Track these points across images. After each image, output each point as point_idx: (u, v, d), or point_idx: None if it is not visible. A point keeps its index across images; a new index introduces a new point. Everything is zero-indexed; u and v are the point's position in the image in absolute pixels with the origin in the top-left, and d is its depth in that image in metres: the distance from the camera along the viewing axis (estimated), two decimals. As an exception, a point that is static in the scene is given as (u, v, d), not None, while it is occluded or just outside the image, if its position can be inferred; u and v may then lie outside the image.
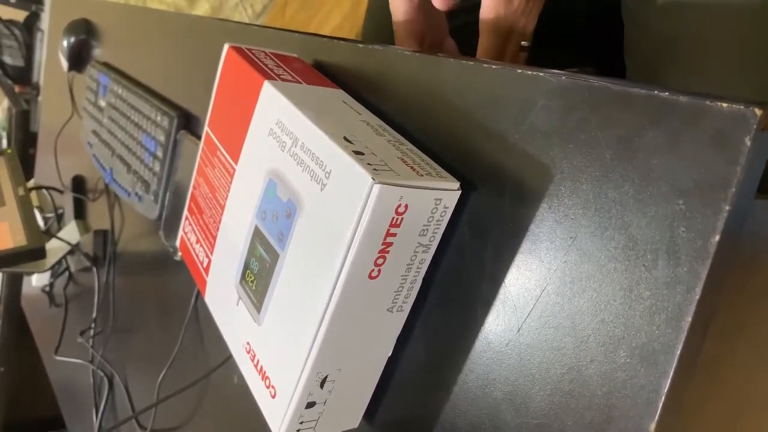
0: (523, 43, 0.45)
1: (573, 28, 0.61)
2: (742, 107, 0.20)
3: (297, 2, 1.77)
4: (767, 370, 0.30)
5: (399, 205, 0.27)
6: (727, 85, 0.43)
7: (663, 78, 0.46)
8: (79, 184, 0.94)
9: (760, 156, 0.21)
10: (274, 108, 0.34)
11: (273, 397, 0.33)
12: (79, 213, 0.93)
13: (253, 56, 0.38)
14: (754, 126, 0.20)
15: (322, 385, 0.31)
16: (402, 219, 0.27)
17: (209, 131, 0.41)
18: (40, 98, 1.28)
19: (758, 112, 0.20)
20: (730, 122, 0.21)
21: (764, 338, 0.30)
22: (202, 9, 2.01)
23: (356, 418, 0.35)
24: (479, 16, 0.44)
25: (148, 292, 0.71)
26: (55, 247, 0.88)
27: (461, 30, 0.50)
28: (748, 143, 0.20)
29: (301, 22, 1.73)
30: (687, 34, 0.44)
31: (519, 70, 0.28)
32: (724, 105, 0.21)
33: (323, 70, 0.41)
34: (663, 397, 0.22)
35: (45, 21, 1.35)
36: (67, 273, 0.98)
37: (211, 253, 0.41)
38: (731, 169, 0.21)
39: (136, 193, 0.69)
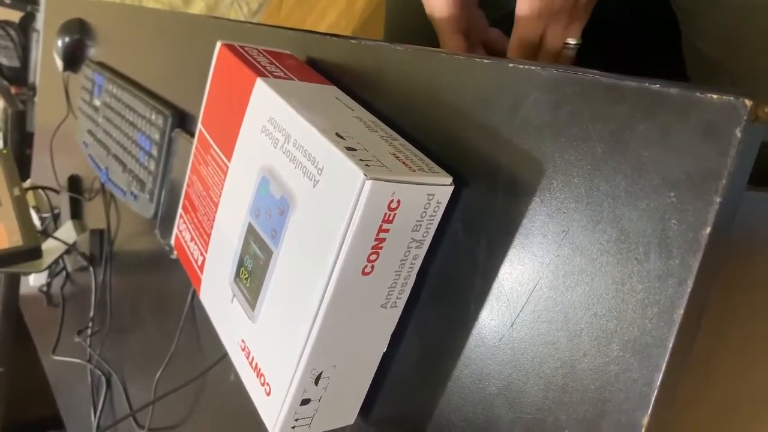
0: (569, 41, 0.44)
1: (625, 28, 0.60)
2: (732, 98, 0.20)
3: (292, 0, 1.77)
4: (760, 363, 0.30)
5: (391, 201, 0.27)
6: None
7: (723, 78, 0.45)
8: (75, 184, 0.93)
9: (751, 147, 0.21)
10: (267, 105, 0.34)
11: (268, 394, 0.33)
12: (76, 213, 0.93)
13: (245, 54, 0.38)
14: (745, 117, 0.20)
15: (316, 382, 0.31)
16: (395, 215, 0.27)
17: (202, 129, 0.41)
18: (36, 99, 1.28)
19: (748, 103, 0.20)
20: (721, 114, 0.21)
21: (757, 331, 0.30)
22: (197, 8, 2.01)
23: (351, 415, 0.35)
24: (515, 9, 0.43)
25: (145, 290, 0.71)
26: (51, 247, 0.88)
27: (499, 23, 0.50)
28: (739, 134, 0.20)
29: (296, 20, 1.73)
30: (749, 30, 0.43)
31: (510, 64, 0.28)
32: (715, 96, 0.21)
33: (316, 67, 0.41)
34: (655, 391, 0.22)
35: (40, 21, 1.35)
36: (63, 273, 0.98)
37: (206, 251, 0.41)
38: (722, 161, 0.21)
39: (132, 192, 0.69)
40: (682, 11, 0.49)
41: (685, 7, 0.48)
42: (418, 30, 0.49)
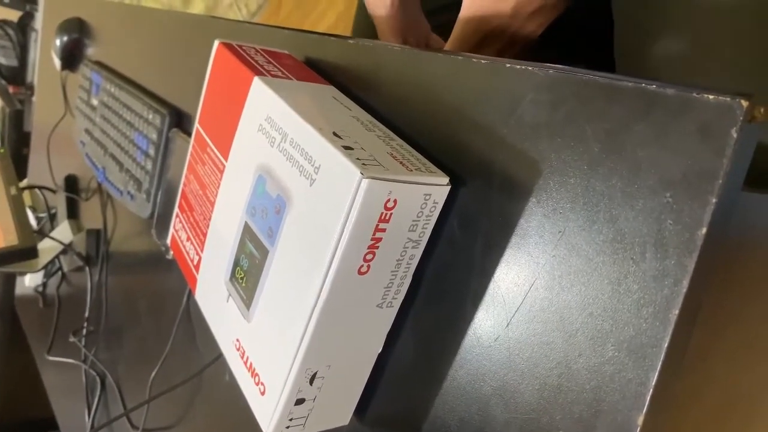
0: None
1: (561, 25, 0.61)
2: (728, 99, 0.20)
3: (292, 2, 1.77)
4: (756, 363, 0.30)
5: (388, 200, 0.27)
6: (720, 83, 0.42)
7: (653, 74, 0.45)
8: (71, 184, 0.93)
9: (747, 148, 0.21)
10: (264, 104, 0.34)
11: (262, 394, 0.32)
12: (72, 212, 0.92)
13: (243, 52, 0.38)
14: (741, 118, 0.20)
15: (311, 382, 0.31)
16: (391, 214, 0.27)
17: (199, 128, 0.41)
18: (33, 98, 1.28)
19: (744, 103, 0.20)
20: (717, 114, 0.21)
21: (752, 330, 0.30)
22: (196, 9, 2.01)
23: (346, 415, 0.35)
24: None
25: (141, 291, 0.70)
26: (47, 247, 0.87)
27: (442, 29, 0.50)
28: (735, 135, 0.20)
29: (295, 22, 1.73)
30: (679, 29, 0.43)
31: (507, 65, 0.28)
32: (711, 97, 0.21)
33: (314, 67, 0.41)
34: (651, 390, 0.22)
35: (39, 21, 1.34)
36: (59, 273, 0.98)
37: (202, 250, 0.41)
38: (718, 161, 0.21)
39: (129, 192, 0.69)
40: (618, 7, 0.49)
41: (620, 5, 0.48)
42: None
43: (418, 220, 0.29)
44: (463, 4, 0.43)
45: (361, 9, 0.71)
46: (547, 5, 0.43)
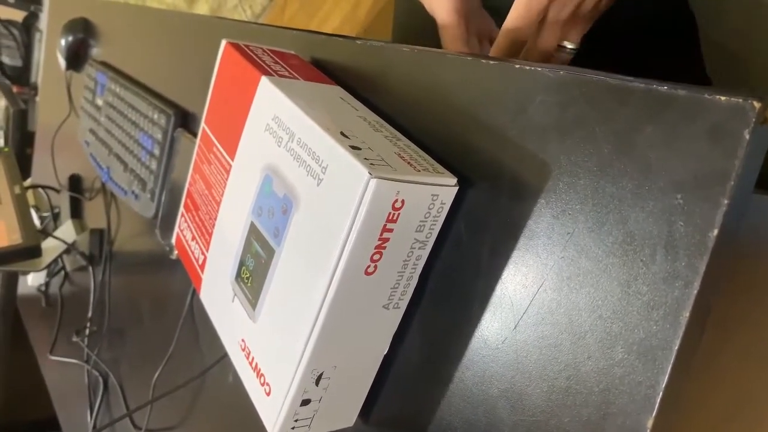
0: (566, 44, 0.43)
1: (636, 30, 0.59)
2: (740, 100, 0.20)
3: (296, 3, 1.78)
4: (766, 365, 0.30)
5: (396, 201, 0.27)
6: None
7: (741, 72, 0.44)
8: (75, 183, 0.93)
9: (759, 150, 0.21)
10: (271, 104, 0.33)
11: (268, 394, 0.32)
12: (76, 212, 0.92)
13: (250, 52, 0.38)
14: (753, 119, 0.20)
15: (317, 383, 0.31)
16: (399, 214, 0.27)
17: (206, 127, 0.41)
18: (37, 98, 1.28)
19: (757, 105, 0.20)
20: (729, 116, 0.21)
21: (762, 332, 0.30)
22: (200, 10, 2.01)
23: (352, 417, 0.35)
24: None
25: (144, 291, 0.70)
26: (51, 246, 0.87)
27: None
28: (747, 137, 0.20)
29: (300, 23, 1.73)
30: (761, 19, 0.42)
31: (517, 66, 0.28)
32: (723, 98, 0.21)
33: (321, 67, 0.41)
34: (661, 393, 0.22)
35: (43, 21, 1.35)
36: (62, 272, 0.98)
37: (207, 250, 0.40)
38: (730, 163, 0.21)
39: (133, 192, 0.69)
40: (699, 5, 0.48)
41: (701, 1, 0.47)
42: (426, 32, 0.49)
43: (426, 221, 0.29)
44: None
45: (399, 17, 0.69)
46: (580, 13, 0.42)
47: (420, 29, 0.64)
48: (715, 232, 0.21)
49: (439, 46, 0.44)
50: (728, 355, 0.29)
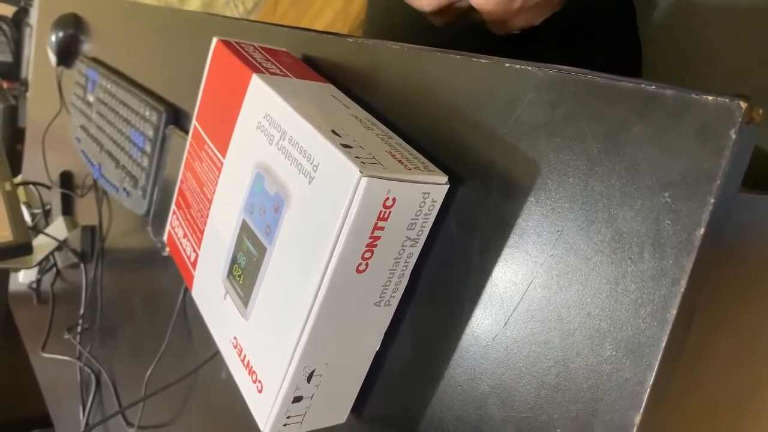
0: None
1: (580, 17, 0.60)
2: (727, 100, 0.21)
3: (288, 0, 1.77)
4: (751, 363, 0.31)
5: (387, 199, 0.27)
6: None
7: (677, 58, 0.44)
8: (67, 180, 0.93)
9: (745, 149, 0.21)
10: (263, 101, 0.33)
11: (260, 391, 0.32)
12: (67, 209, 0.92)
13: (241, 50, 0.38)
14: (739, 119, 0.20)
15: (309, 380, 0.31)
16: (390, 212, 0.27)
17: (197, 125, 0.41)
18: (28, 94, 1.27)
19: (743, 105, 0.20)
20: (716, 115, 0.21)
21: (749, 331, 0.30)
22: (192, 5, 2.00)
23: (343, 413, 0.35)
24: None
25: (136, 288, 0.70)
26: (42, 244, 0.87)
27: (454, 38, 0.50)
28: (733, 136, 0.20)
29: (292, 19, 1.73)
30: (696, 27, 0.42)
31: (507, 64, 0.28)
32: (710, 98, 0.21)
33: (312, 65, 0.41)
34: (648, 390, 0.22)
35: (34, 16, 1.34)
36: (54, 269, 0.97)
37: (199, 247, 0.40)
38: (716, 162, 0.21)
39: (125, 189, 0.68)
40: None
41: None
42: (398, 24, 0.49)
43: (417, 219, 0.29)
44: None
45: (372, 7, 0.69)
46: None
47: (393, 23, 0.64)
48: (702, 230, 0.21)
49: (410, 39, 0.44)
50: (715, 352, 0.29)
